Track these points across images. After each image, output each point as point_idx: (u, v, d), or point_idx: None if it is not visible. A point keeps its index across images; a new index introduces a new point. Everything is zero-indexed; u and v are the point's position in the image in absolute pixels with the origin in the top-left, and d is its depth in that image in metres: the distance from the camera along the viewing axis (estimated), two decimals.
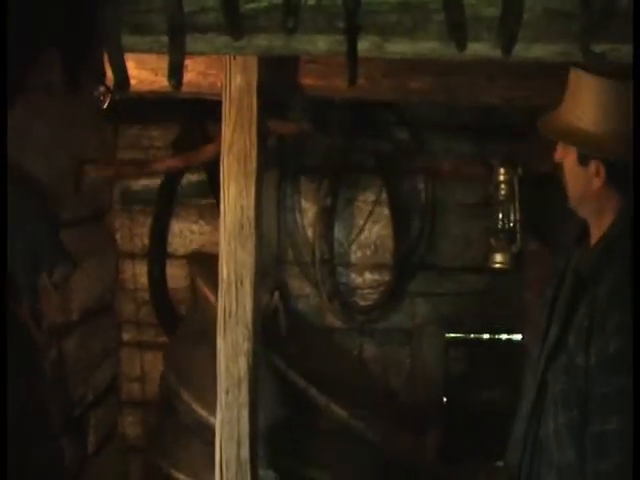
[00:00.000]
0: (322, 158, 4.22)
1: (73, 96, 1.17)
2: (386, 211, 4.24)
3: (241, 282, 3.16)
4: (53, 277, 1.18)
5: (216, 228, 4.16)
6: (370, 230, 4.29)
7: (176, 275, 4.29)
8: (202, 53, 2.30)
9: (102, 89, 1.25)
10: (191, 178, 4.29)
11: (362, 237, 4.29)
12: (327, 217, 4.20)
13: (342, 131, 3.95)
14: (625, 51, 2.12)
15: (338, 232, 4.27)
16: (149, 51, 2.20)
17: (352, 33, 2.03)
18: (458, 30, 2.04)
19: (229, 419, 3.15)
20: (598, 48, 2.11)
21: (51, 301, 3.00)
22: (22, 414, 0.99)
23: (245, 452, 3.15)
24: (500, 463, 3.84)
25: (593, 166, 2.17)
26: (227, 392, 3.16)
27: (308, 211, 4.28)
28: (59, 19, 1.15)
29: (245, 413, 3.15)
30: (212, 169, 4.08)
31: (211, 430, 3.30)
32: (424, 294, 4.29)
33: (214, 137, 3.94)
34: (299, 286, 4.28)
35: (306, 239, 4.28)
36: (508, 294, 4.14)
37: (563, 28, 2.11)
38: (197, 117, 4.12)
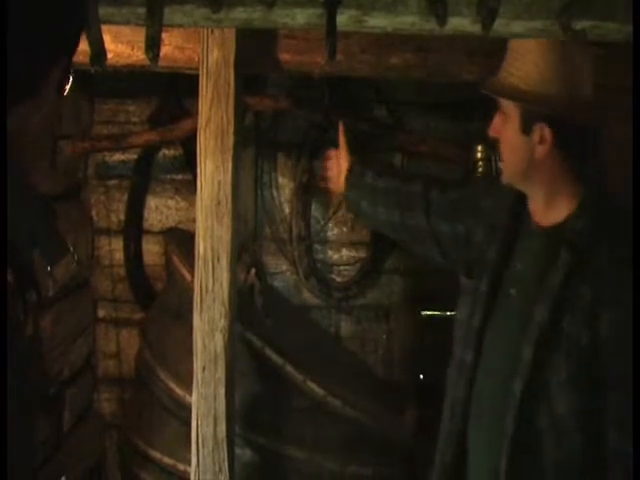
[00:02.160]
0: (299, 134, 4.20)
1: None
2: None
3: (218, 258, 3.14)
4: (54, 269, 1.16)
5: (192, 204, 4.14)
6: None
7: (152, 251, 4.26)
8: (180, 25, 2.26)
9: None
10: (167, 153, 4.26)
11: (339, 214, 4.27)
12: (304, 194, 4.18)
13: (319, 107, 3.92)
14: (606, 27, 2.11)
15: (315, 209, 4.25)
16: (126, 23, 2.16)
17: (331, 6, 2.01)
18: (438, 4, 2.02)
19: (205, 396, 3.14)
20: (579, 25, 2.10)
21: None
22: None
23: (222, 430, 3.14)
24: None
25: (537, 132, 2.10)
26: (203, 369, 3.14)
27: (285, 188, 4.26)
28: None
29: (222, 390, 3.14)
30: (189, 144, 4.05)
31: (187, 408, 3.30)
32: (401, 271, 4.29)
33: (191, 112, 3.91)
34: (275, 263, 4.27)
35: (283, 216, 4.26)
36: None
37: (543, 4, 2.10)
38: (174, 92, 4.08)
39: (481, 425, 2.24)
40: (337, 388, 3.50)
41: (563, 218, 2.14)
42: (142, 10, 2.08)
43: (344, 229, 4.30)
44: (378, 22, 2.14)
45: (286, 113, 3.98)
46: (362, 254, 4.29)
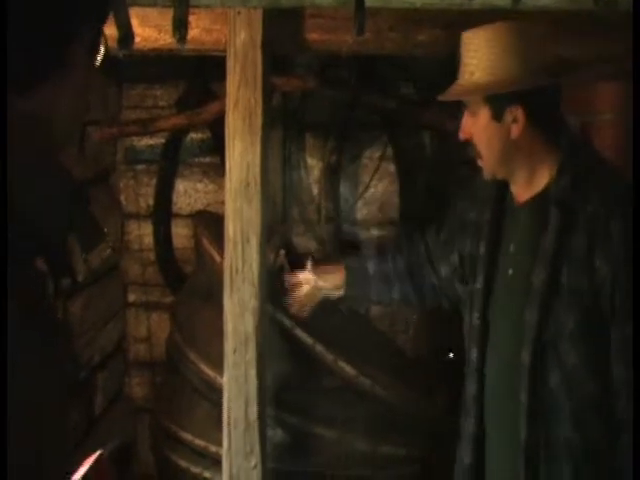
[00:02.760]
0: (327, 115, 4.18)
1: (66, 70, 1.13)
2: (392, 167, 4.20)
3: (247, 240, 3.14)
4: (90, 255, 1.17)
5: (220, 187, 4.15)
6: (376, 187, 4.25)
7: (181, 235, 4.27)
8: (207, 6, 2.27)
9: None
10: (194, 137, 4.26)
11: (368, 194, 4.25)
12: (332, 174, 4.16)
13: (347, 87, 3.90)
14: None
15: (344, 189, 4.24)
16: (152, 5, 2.18)
17: None
18: None
19: (236, 378, 3.15)
20: None
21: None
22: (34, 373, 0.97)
23: (253, 411, 3.15)
24: None
25: (509, 115, 2.14)
26: (234, 351, 3.15)
27: (314, 168, 4.24)
28: None
29: (252, 372, 3.15)
30: (216, 127, 4.05)
31: (218, 390, 3.31)
32: None
33: (218, 95, 3.91)
34: (305, 244, 4.26)
35: (311, 197, 4.25)
36: None
37: None
38: (201, 75, 4.07)
39: (492, 408, 2.31)
40: (367, 368, 3.49)
41: (545, 185, 2.20)
42: None
43: (373, 209, 4.28)
44: None
45: (314, 93, 3.96)
46: (391, 233, 4.27)
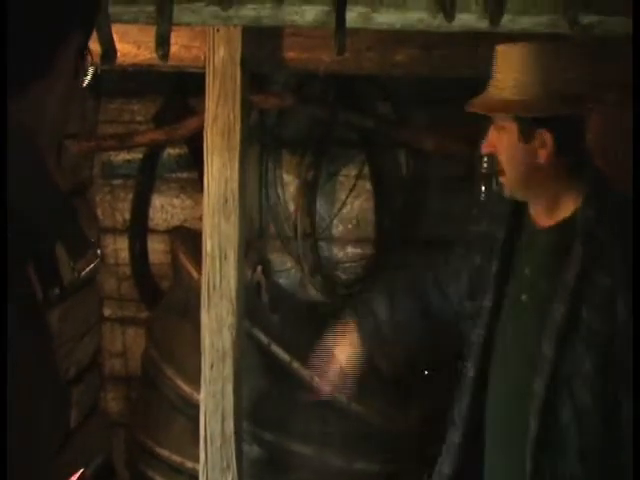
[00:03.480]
0: (304, 132, 4.20)
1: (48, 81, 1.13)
2: (368, 185, 4.23)
3: (225, 256, 3.15)
4: (78, 264, 1.16)
5: (198, 202, 4.16)
6: (352, 204, 4.27)
7: (157, 250, 4.27)
8: (188, 24, 2.29)
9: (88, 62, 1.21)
10: (172, 152, 4.26)
11: (344, 211, 4.28)
12: (309, 191, 4.18)
13: (325, 105, 3.93)
14: (612, 22, 2.13)
15: (320, 206, 4.26)
16: (134, 22, 2.19)
17: (341, 3, 2.02)
18: (447, 1, 2.04)
19: (213, 393, 3.16)
20: (585, 20, 2.12)
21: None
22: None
23: (230, 426, 3.16)
24: None
25: (537, 138, 2.09)
26: (211, 366, 3.16)
27: (290, 185, 4.26)
28: None
29: (229, 387, 3.16)
30: (194, 143, 4.06)
31: (195, 405, 3.31)
32: (406, 268, 4.28)
33: (196, 110, 3.92)
34: (280, 260, 4.27)
35: (288, 213, 4.27)
36: None
37: (550, 0, 2.12)
38: (178, 91, 4.09)
39: (497, 436, 2.26)
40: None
41: (570, 213, 2.14)
42: (151, 9, 2.10)
43: (349, 226, 4.30)
44: (386, 19, 2.17)
45: (291, 110, 3.99)
46: (367, 251, 4.30)
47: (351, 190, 4.23)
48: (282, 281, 4.25)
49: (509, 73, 2.12)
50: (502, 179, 2.21)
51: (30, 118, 1.07)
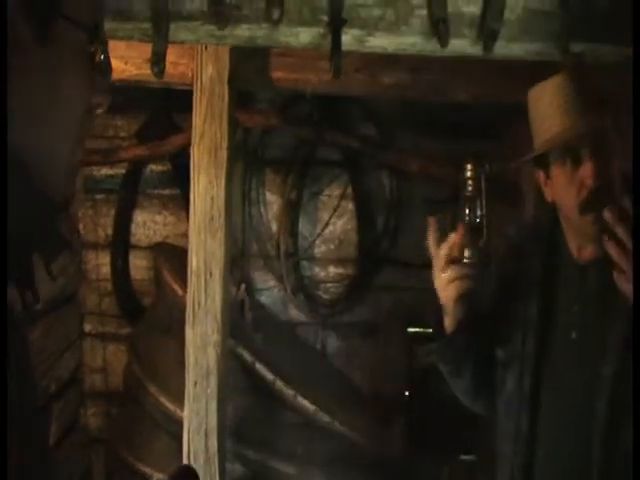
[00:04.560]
0: (288, 151, 4.23)
1: (54, 50, 1.10)
2: (351, 206, 4.26)
3: (210, 273, 3.15)
4: (51, 265, 1.14)
5: (180, 219, 4.17)
6: (335, 224, 4.30)
7: (139, 266, 4.26)
8: (182, 42, 2.29)
9: (86, 39, 1.17)
10: (155, 168, 4.27)
11: (327, 231, 4.30)
12: (292, 211, 4.20)
13: (309, 125, 3.95)
14: (603, 51, 2.17)
15: (302, 226, 4.27)
16: (129, 38, 2.19)
17: (337, 26, 2.04)
18: (441, 25, 2.07)
19: (197, 411, 3.15)
20: (577, 48, 2.16)
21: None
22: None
23: (213, 444, 3.15)
24: (465, 457, 3.91)
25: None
26: (195, 384, 3.15)
27: (273, 204, 4.28)
28: None
29: (213, 405, 3.15)
30: (177, 160, 4.07)
31: (177, 423, 3.30)
32: (388, 288, 4.32)
33: (180, 127, 3.93)
34: (263, 279, 4.28)
35: (270, 233, 4.28)
36: None
37: (543, 28, 2.16)
38: (162, 107, 4.09)
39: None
40: (327, 404, 3.52)
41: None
42: (146, 25, 2.11)
43: (331, 246, 4.32)
44: (380, 42, 2.19)
45: (276, 130, 4.00)
46: (349, 271, 4.32)
47: (335, 210, 4.25)
48: (264, 300, 4.25)
49: (549, 110, 2.07)
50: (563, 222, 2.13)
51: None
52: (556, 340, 2.12)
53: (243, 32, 2.13)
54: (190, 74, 3.19)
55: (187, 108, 3.23)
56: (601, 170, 1.97)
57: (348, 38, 2.14)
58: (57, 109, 1.14)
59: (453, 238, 2.07)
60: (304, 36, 2.14)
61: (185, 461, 3.12)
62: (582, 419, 2.03)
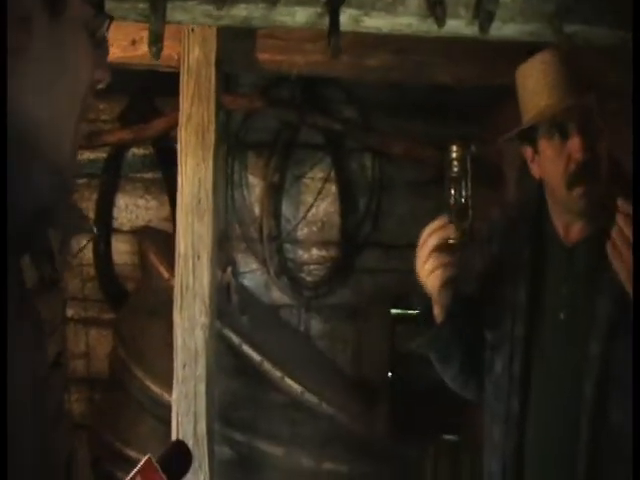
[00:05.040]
0: (271, 134, 4.22)
1: (63, 23, 1.10)
2: (334, 188, 4.27)
3: (198, 256, 3.15)
4: (69, 244, 1.14)
5: (162, 203, 4.16)
6: (318, 207, 4.30)
7: (122, 250, 4.24)
8: (179, 22, 2.29)
9: (93, 14, 1.17)
10: (137, 152, 4.24)
11: (310, 214, 4.31)
12: (275, 194, 4.20)
13: (293, 107, 3.95)
14: (597, 33, 2.19)
15: (286, 209, 4.28)
16: (125, 18, 2.18)
17: (335, 5, 2.05)
18: (438, 6, 2.08)
19: (186, 394, 3.15)
20: (570, 29, 2.18)
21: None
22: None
23: (202, 427, 3.15)
24: (448, 437, 3.95)
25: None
26: (184, 366, 3.15)
27: (255, 187, 4.28)
28: None
29: (202, 387, 3.15)
30: (159, 143, 4.05)
31: (164, 406, 3.30)
32: (370, 271, 4.34)
33: (161, 111, 3.92)
34: (245, 262, 4.28)
35: (253, 216, 4.28)
36: None
37: (537, 9, 2.17)
38: (145, 91, 4.07)
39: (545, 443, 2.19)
40: (313, 385, 3.53)
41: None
42: (143, 5, 2.10)
43: (314, 229, 4.33)
44: (376, 22, 2.20)
45: (258, 112, 4.00)
46: (332, 253, 4.33)
47: (319, 193, 4.26)
48: (247, 283, 4.26)
49: (538, 86, 2.09)
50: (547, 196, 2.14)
51: None
52: (545, 322, 2.13)
53: (240, 12, 2.13)
54: (176, 57, 3.17)
55: (169, 91, 3.22)
56: (588, 144, 1.99)
57: (344, 18, 2.15)
58: (64, 84, 1.14)
59: (437, 223, 2.07)
60: (300, 15, 2.14)
61: None
62: (571, 400, 2.05)
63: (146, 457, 1.23)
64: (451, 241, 2.91)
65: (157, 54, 2.08)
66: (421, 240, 2.03)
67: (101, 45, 1.25)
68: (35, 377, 1.00)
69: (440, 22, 2.08)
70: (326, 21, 2.11)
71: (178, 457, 1.45)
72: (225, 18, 2.15)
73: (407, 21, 2.15)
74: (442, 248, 1.99)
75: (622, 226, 1.82)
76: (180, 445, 1.50)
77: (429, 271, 2.00)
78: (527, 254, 2.15)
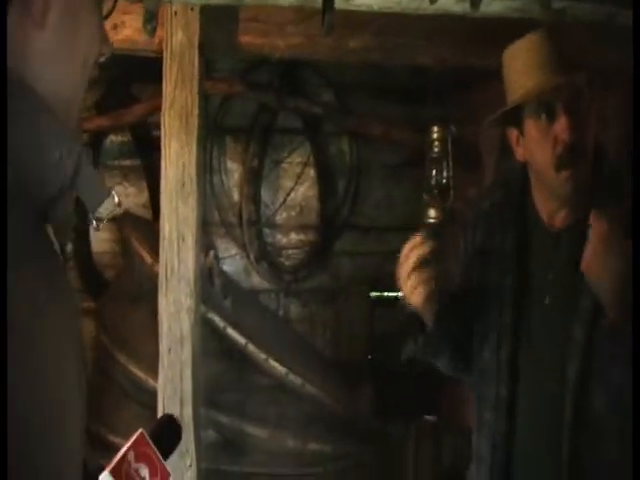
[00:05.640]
0: (248, 119, 4.22)
1: None
2: (312, 172, 4.28)
3: (183, 239, 3.14)
4: (98, 212, 1.14)
5: (141, 190, 4.15)
6: (296, 191, 4.32)
7: (101, 238, 4.21)
8: (170, 2, 2.28)
9: None
10: (114, 139, 4.22)
11: (288, 198, 4.32)
12: (254, 179, 4.21)
13: (272, 91, 3.96)
14: (583, 8, 2.23)
15: (264, 194, 4.29)
16: None
17: None
18: None
19: (172, 378, 3.14)
20: (558, 5, 2.21)
21: None
22: None
23: (188, 411, 3.14)
24: (428, 417, 3.99)
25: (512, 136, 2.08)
26: (169, 350, 3.14)
27: (234, 172, 4.28)
28: None
29: (188, 371, 3.15)
30: (137, 130, 4.04)
31: (148, 391, 3.30)
32: (349, 254, 4.36)
33: (137, 98, 3.91)
34: (225, 247, 4.29)
35: (232, 201, 4.29)
36: None
37: None
38: (122, 77, 4.05)
39: (530, 424, 2.17)
40: (297, 366, 3.56)
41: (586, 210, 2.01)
42: None
43: (292, 213, 4.35)
44: (366, 0, 2.21)
45: (236, 97, 4.00)
46: (311, 237, 4.35)
47: (298, 177, 4.28)
48: (226, 268, 4.26)
49: (523, 67, 2.09)
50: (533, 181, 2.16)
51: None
52: (531, 308, 2.16)
53: None
54: (156, 40, 3.16)
55: (146, 77, 3.21)
56: (576, 125, 1.99)
57: None
58: (78, 56, 1.16)
59: (417, 239, 2.08)
60: None
61: None
62: (555, 384, 2.08)
63: (138, 431, 1.26)
64: (432, 220, 2.92)
65: (151, 32, 2.09)
66: (402, 257, 2.03)
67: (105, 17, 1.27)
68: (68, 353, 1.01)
69: None
70: (317, 0, 2.13)
71: (169, 430, 1.48)
72: None
73: None
74: (423, 263, 1.98)
75: (595, 243, 1.86)
76: (170, 419, 1.52)
77: (412, 287, 2.00)
78: (512, 240, 2.17)
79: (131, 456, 1.37)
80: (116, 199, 1.21)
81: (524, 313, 2.15)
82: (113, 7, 1.30)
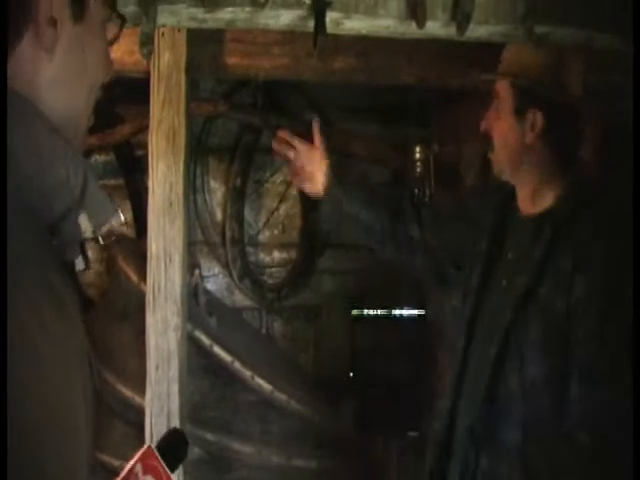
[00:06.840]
0: (231, 138, 4.27)
1: (84, 26, 1.15)
2: (295, 191, 4.33)
3: (170, 258, 3.18)
4: (101, 229, 1.18)
5: (124, 209, 4.16)
6: (279, 210, 4.37)
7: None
8: (163, 25, 2.33)
9: (110, 15, 1.24)
10: (99, 158, 4.25)
11: (271, 217, 4.36)
12: (237, 197, 4.25)
13: (255, 112, 4.01)
14: (564, 32, 2.30)
15: (247, 212, 4.33)
16: (111, 21, 2.21)
17: (322, 7, 2.11)
18: (419, 8, 2.16)
19: (159, 395, 3.17)
20: (541, 30, 2.28)
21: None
22: None
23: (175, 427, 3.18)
24: (411, 433, 4.03)
25: (529, 118, 2.18)
26: (157, 367, 3.17)
27: (217, 191, 4.32)
28: None
29: (175, 388, 3.17)
30: (121, 149, 4.07)
31: (135, 409, 3.32)
32: (331, 271, 4.41)
33: (122, 117, 3.94)
34: (208, 266, 4.32)
35: (215, 220, 4.32)
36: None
37: (508, 10, 2.27)
38: (108, 97, 4.07)
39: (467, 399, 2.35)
40: (282, 384, 3.59)
41: (550, 204, 2.23)
42: (134, 8, 2.13)
43: (275, 231, 4.39)
44: (355, 24, 2.27)
45: (221, 117, 4.05)
46: (293, 255, 4.39)
47: (281, 197, 4.32)
48: (210, 287, 4.29)
49: (517, 56, 2.27)
50: (492, 157, 2.31)
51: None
52: (492, 283, 2.33)
53: (224, 15, 2.17)
54: (145, 61, 3.21)
55: (130, 98, 3.24)
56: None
57: (326, 20, 2.21)
58: (85, 81, 1.20)
59: None
60: (285, 18, 2.20)
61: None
62: (483, 359, 2.23)
63: (146, 445, 1.30)
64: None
65: (148, 55, 2.12)
66: None
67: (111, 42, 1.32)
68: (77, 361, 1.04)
69: (421, 24, 2.16)
70: (309, 23, 2.18)
71: (176, 444, 1.52)
72: (210, 21, 2.19)
73: (386, 23, 2.22)
74: None
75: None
76: (177, 433, 1.56)
77: None
78: (492, 217, 2.36)
79: (138, 468, 1.40)
80: (122, 217, 1.25)
81: (489, 284, 2.33)
82: (119, 34, 1.34)
